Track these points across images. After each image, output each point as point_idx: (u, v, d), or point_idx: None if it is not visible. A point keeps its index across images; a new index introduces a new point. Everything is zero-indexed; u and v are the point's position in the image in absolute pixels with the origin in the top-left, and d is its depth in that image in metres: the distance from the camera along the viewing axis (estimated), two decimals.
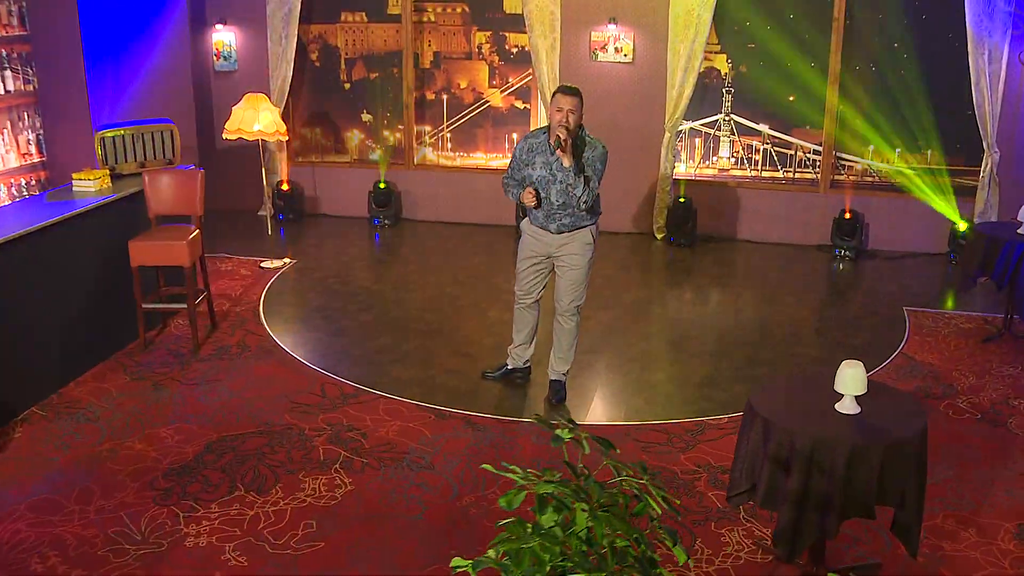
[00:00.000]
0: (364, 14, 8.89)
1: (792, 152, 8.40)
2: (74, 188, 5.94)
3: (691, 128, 8.54)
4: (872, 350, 6.04)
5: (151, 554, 3.86)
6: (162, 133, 6.48)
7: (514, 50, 8.72)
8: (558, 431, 2.13)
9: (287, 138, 8.75)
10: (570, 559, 1.81)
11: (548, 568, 1.79)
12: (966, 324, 6.53)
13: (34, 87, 7.27)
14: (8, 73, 7.01)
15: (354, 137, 9.20)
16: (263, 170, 8.63)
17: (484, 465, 2.20)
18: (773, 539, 3.50)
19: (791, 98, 8.25)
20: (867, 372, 3.56)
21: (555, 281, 5.17)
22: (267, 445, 4.74)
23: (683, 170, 8.67)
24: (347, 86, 9.08)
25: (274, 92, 8.78)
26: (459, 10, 8.72)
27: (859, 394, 3.50)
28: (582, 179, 4.78)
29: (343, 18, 8.93)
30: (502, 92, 8.84)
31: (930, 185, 8.06)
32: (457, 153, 9.06)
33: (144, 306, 5.89)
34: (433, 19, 8.80)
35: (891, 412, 3.57)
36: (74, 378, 5.47)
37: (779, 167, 8.45)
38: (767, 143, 8.42)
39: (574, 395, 5.36)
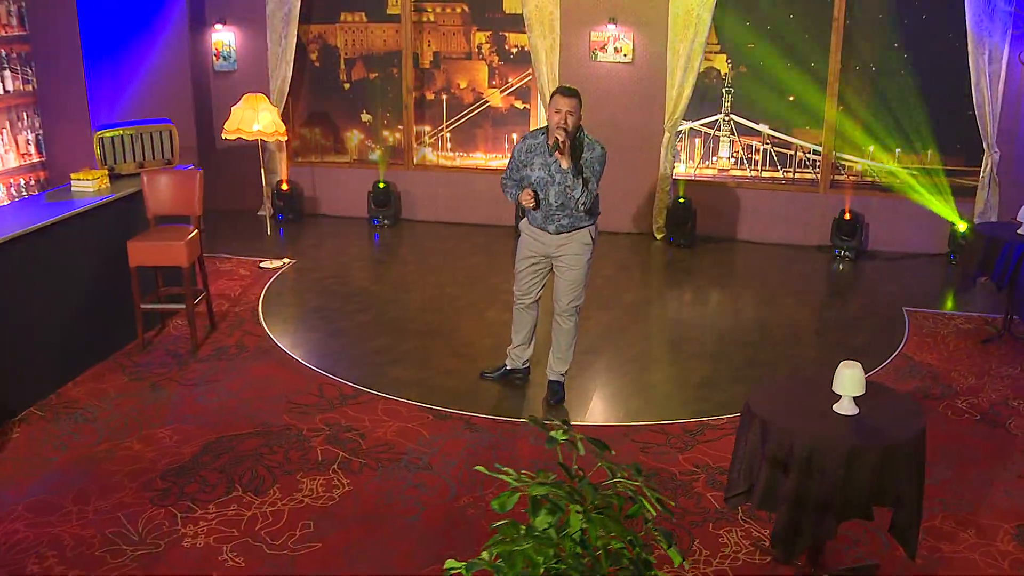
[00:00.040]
0: (364, 14, 8.88)
1: (792, 152, 8.39)
2: (73, 188, 5.94)
3: (691, 128, 8.53)
4: (871, 351, 6.03)
5: (148, 555, 3.86)
6: (161, 133, 6.48)
7: (514, 50, 8.71)
8: (553, 432, 2.12)
9: (286, 138, 8.75)
10: (564, 561, 1.80)
11: (542, 570, 1.78)
12: (966, 325, 6.52)
13: (33, 87, 7.28)
14: (7, 73, 7.02)
15: (354, 137, 9.20)
16: (262, 170, 8.64)
17: (477, 467, 2.20)
18: (771, 540, 3.49)
19: (791, 98, 8.24)
20: (866, 373, 3.55)
21: (554, 281, 5.16)
22: (265, 446, 4.74)
23: (683, 170, 8.67)
24: (347, 86, 9.07)
25: (274, 92, 8.78)
26: (459, 10, 8.72)
27: (857, 395, 3.49)
28: (580, 181, 4.77)
29: (343, 18, 8.93)
30: (502, 92, 8.83)
31: (929, 186, 8.05)
32: (457, 153, 9.06)
33: (142, 306, 5.88)
34: (433, 19, 8.80)
35: (889, 413, 3.56)
36: (72, 378, 5.47)
37: (779, 167, 8.45)
38: (767, 143, 8.41)
39: (573, 396, 5.35)
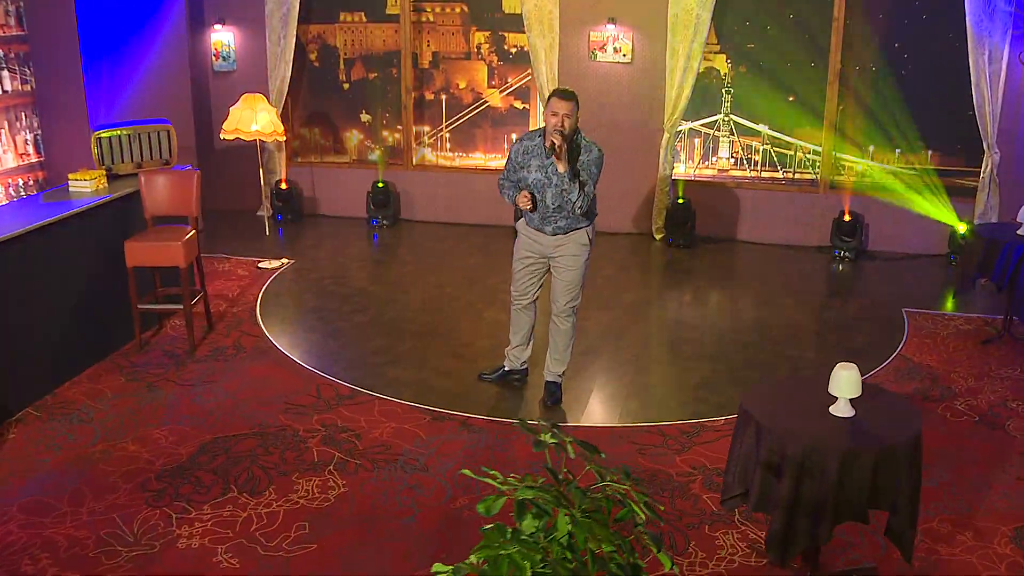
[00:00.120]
0: (363, 14, 8.87)
1: (792, 152, 8.37)
2: (70, 188, 5.93)
3: (690, 128, 8.52)
4: (871, 351, 6.01)
5: (143, 556, 3.85)
6: (159, 133, 6.47)
7: (513, 50, 8.70)
8: (541, 435, 2.11)
9: (284, 138, 8.74)
10: (551, 565, 1.79)
11: (528, 574, 1.77)
12: (965, 326, 6.49)
13: (32, 87, 7.27)
14: (5, 73, 7.01)
15: (353, 137, 9.19)
16: (260, 170, 8.63)
17: (464, 471, 2.18)
18: (765, 544, 3.48)
19: (791, 98, 8.22)
20: (865, 374, 3.55)
21: (551, 282, 5.15)
22: (261, 446, 4.73)
23: (682, 170, 8.65)
24: (346, 86, 9.06)
25: (273, 92, 8.77)
26: (458, 10, 8.71)
27: (853, 397, 3.47)
28: (577, 184, 4.75)
29: (342, 18, 8.92)
30: (501, 92, 8.82)
31: (928, 188, 8.02)
32: (456, 153, 9.04)
33: (140, 307, 5.88)
34: (432, 19, 8.79)
35: (885, 415, 3.55)
36: (69, 379, 5.46)
37: (779, 167, 8.43)
38: (766, 143, 8.39)
39: (570, 397, 5.34)
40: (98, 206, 5.75)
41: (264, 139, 8.31)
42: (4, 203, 6.71)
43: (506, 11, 8.60)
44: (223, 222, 8.80)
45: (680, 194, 8.43)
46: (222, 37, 8.93)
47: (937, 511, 4.19)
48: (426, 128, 9.05)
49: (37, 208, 5.55)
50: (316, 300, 6.96)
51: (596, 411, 5.29)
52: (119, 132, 6.31)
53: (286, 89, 8.82)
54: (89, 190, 5.89)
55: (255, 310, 6.66)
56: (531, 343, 5.44)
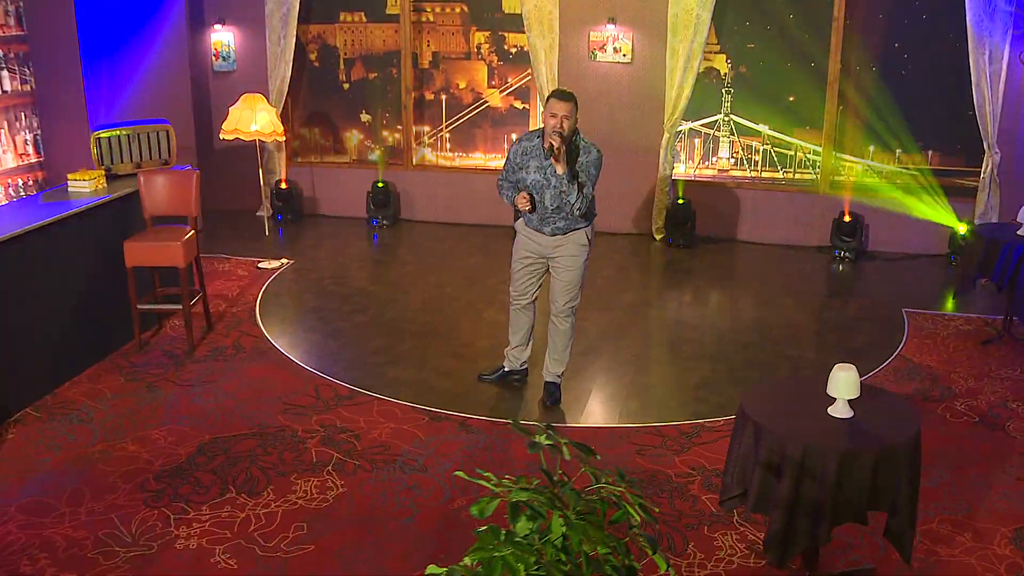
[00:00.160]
0: (363, 14, 8.87)
1: (792, 153, 8.36)
2: (69, 188, 5.93)
3: (690, 128, 8.51)
4: (870, 352, 6.01)
5: (141, 556, 3.85)
6: (158, 134, 6.47)
7: (513, 50, 8.70)
8: (536, 437, 2.11)
9: (284, 138, 8.74)
10: (545, 568, 1.78)
11: None
12: (965, 326, 6.49)
13: (31, 87, 7.27)
14: (5, 73, 7.01)
15: (353, 137, 9.19)
16: (260, 171, 8.63)
17: (457, 472, 2.18)
18: (764, 545, 3.47)
19: (791, 98, 8.21)
20: (865, 374, 3.54)
21: (550, 282, 5.14)
22: (259, 447, 4.72)
23: (682, 171, 8.64)
24: (346, 86, 9.06)
25: (273, 92, 8.77)
26: (458, 10, 8.70)
27: (852, 398, 3.47)
28: (575, 185, 4.74)
29: (342, 18, 8.92)
30: (501, 92, 8.81)
31: (928, 189, 8.01)
32: (456, 153, 9.04)
33: (139, 307, 5.88)
34: (432, 19, 8.78)
35: (884, 416, 3.54)
36: (69, 379, 5.46)
37: (779, 168, 8.42)
38: (767, 143, 8.38)
39: (569, 397, 5.33)
40: (97, 206, 5.75)
41: (263, 139, 8.31)
42: (3, 203, 6.71)
43: (506, 11, 8.60)
44: (223, 222, 8.80)
45: (680, 194, 8.42)
46: (222, 37, 8.93)
47: (937, 512, 4.19)
48: (426, 128, 9.05)
49: (36, 208, 5.55)
50: (316, 300, 6.96)
51: (595, 411, 5.29)
52: (118, 132, 6.31)
53: (286, 89, 8.82)
54: (88, 190, 5.89)
55: (255, 310, 6.66)
56: (531, 343, 5.43)
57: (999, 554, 3.92)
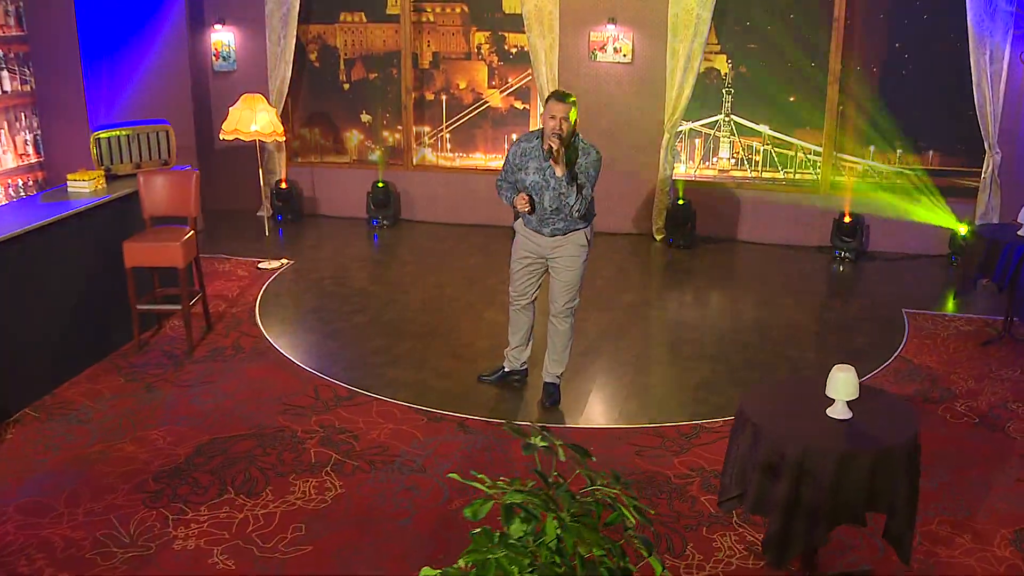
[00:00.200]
0: (363, 14, 8.87)
1: (792, 153, 8.35)
2: (69, 189, 5.93)
3: (691, 129, 8.50)
4: (871, 352, 5.99)
5: (139, 557, 3.84)
6: (158, 134, 6.47)
7: (513, 50, 8.69)
8: (532, 438, 2.10)
9: (284, 139, 8.74)
10: (539, 570, 1.78)
11: None
12: (966, 327, 6.47)
13: (31, 87, 7.27)
14: (5, 73, 7.02)
15: (353, 137, 9.19)
16: (260, 171, 8.63)
17: (451, 475, 2.17)
18: (762, 546, 3.46)
19: (791, 99, 8.20)
20: (864, 375, 3.53)
21: (549, 283, 5.14)
22: (258, 447, 4.72)
23: (683, 171, 8.64)
24: (346, 86, 9.06)
25: (273, 92, 8.77)
26: (458, 10, 8.70)
27: (851, 399, 3.46)
28: (575, 188, 4.73)
29: (342, 18, 8.92)
30: (501, 92, 8.81)
31: (928, 190, 8.00)
32: (456, 154, 9.04)
33: (139, 307, 5.87)
34: (432, 19, 8.78)
35: (883, 417, 3.53)
36: (68, 379, 5.46)
37: (779, 168, 8.41)
38: (767, 144, 8.37)
39: (569, 398, 5.33)
40: (97, 206, 5.75)
41: (263, 139, 8.31)
42: (3, 203, 6.71)
43: (506, 11, 8.59)
44: (223, 222, 8.80)
45: (680, 195, 8.41)
46: (222, 37, 8.93)
47: (936, 513, 4.18)
48: (426, 128, 9.04)
49: (35, 208, 5.55)
50: (316, 300, 6.95)
51: (595, 412, 5.28)
52: (118, 132, 6.31)
53: (286, 89, 8.82)
54: (88, 190, 5.89)
55: (254, 311, 6.66)
56: (530, 343, 5.42)
57: (999, 555, 3.91)
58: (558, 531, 1.82)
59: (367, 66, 8.97)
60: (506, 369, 5.49)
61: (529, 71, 8.55)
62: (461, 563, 1.88)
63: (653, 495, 4.32)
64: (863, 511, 3.35)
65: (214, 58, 8.99)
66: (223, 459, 4.60)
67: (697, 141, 8.56)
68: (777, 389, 3.98)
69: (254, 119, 8.09)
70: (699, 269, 7.88)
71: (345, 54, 8.98)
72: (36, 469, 4.50)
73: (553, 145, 4.62)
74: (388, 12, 8.80)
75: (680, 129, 8.38)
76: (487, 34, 8.71)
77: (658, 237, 8.53)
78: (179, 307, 5.97)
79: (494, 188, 5.13)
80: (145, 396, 5.31)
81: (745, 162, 8.47)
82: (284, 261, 7.78)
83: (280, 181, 9.02)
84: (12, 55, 7.07)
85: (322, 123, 9.22)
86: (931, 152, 8.05)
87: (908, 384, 5.54)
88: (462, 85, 8.87)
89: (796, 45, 8.08)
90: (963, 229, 7.74)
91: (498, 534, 1.85)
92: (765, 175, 8.45)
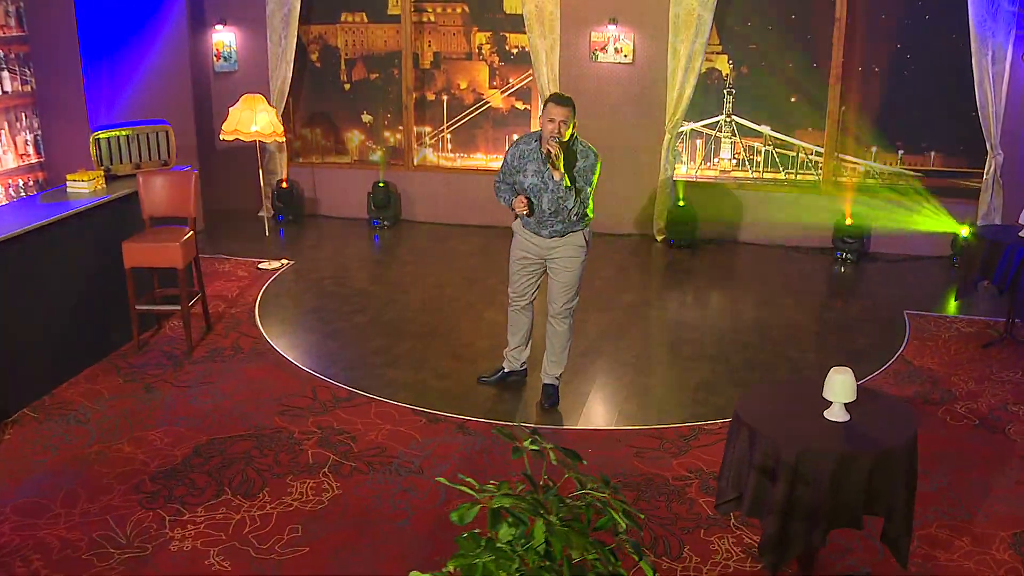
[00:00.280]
0: (364, 14, 8.87)
1: (794, 154, 8.33)
2: (68, 189, 5.93)
3: (692, 129, 8.48)
4: (871, 354, 5.97)
5: (135, 558, 3.84)
6: (158, 134, 6.47)
7: (514, 51, 8.68)
8: (526, 442, 2.09)
9: (284, 139, 8.73)
10: (527, 574, 1.77)
11: None
12: (967, 328, 6.45)
13: (32, 88, 7.28)
14: (5, 74, 7.02)
15: (354, 138, 9.18)
16: (260, 171, 8.63)
17: (439, 479, 2.16)
18: (759, 549, 3.45)
19: (793, 99, 8.18)
20: (864, 377, 3.52)
21: (548, 283, 5.13)
22: (256, 448, 4.71)
23: (684, 172, 8.62)
24: (347, 87, 9.06)
25: (274, 93, 8.77)
26: (459, 10, 8.69)
27: (848, 401, 3.44)
28: (573, 191, 4.72)
29: (343, 18, 8.91)
30: (502, 93, 8.80)
31: (929, 191, 7.98)
32: (457, 154, 9.03)
33: (138, 308, 5.87)
34: (433, 19, 8.77)
35: (881, 419, 3.52)
36: (67, 379, 5.46)
37: (780, 169, 8.39)
38: (768, 144, 8.35)
39: (568, 399, 5.32)
40: (96, 207, 5.75)
41: (263, 140, 8.31)
42: (3, 204, 6.71)
43: (507, 12, 8.58)
44: (224, 223, 8.80)
45: (681, 195, 8.39)
46: (223, 37, 8.93)
47: (936, 516, 4.16)
48: (427, 129, 9.04)
49: (35, 209, 5.55)
50: (316, 301, 6.95)
51: (594, 413, 5.27)
52: (117, 133, 6.31)
53: (287, 89, 8.82)
54: (87, 191, 5.89)
55: (254, 311, 6.65)
56: (530, 344, 5.42)
57: (998, 559, 3.89)
58: (546, 535, 1.81)
59: (368, 66, 8.97)
60: (506, 370, 5.48)
61: (530, 71, 8.54)
62: (449, 567, 1.87)
63: (651, 497, 4.31)
64: (860, 514, 3.34)
65: (215, 58, 8.99)
66: (220, 460, 4.60)
67: (698, 142, 8.55)
68: (774, 391, 3.97)
69: (254, 119, 8.09)
70: (700, 269, 7.86)
71: (346, 54, 8.98)
72: (34, 470, 4.50)
73: (552, 150, 4.61)
74: (389, 12, 8.80)
75: (681, 130, 8.36)
76: (488, 34, 8.70)
77: (659, 238, 8.52)
78: (178, 307, 5.97)
79: (494, 189, 5.13)
80: (144, 396, 5.31)
81: (746, 163, 8.45)
82: (284, 261, 7.77)
83: (281, 181, 9.02)
84: (12, 55, 7.07)
85: (323, 123, 9.22)
86: (933, 153, 8.03)
87: (908, 385, 5.52)
88: (463, 85, 8.87)
89: (797, 46, 8.06)
90: (964, 230, 7.72)
91: (485, 539, 1.84)
92: (766, 176, 8.43)
